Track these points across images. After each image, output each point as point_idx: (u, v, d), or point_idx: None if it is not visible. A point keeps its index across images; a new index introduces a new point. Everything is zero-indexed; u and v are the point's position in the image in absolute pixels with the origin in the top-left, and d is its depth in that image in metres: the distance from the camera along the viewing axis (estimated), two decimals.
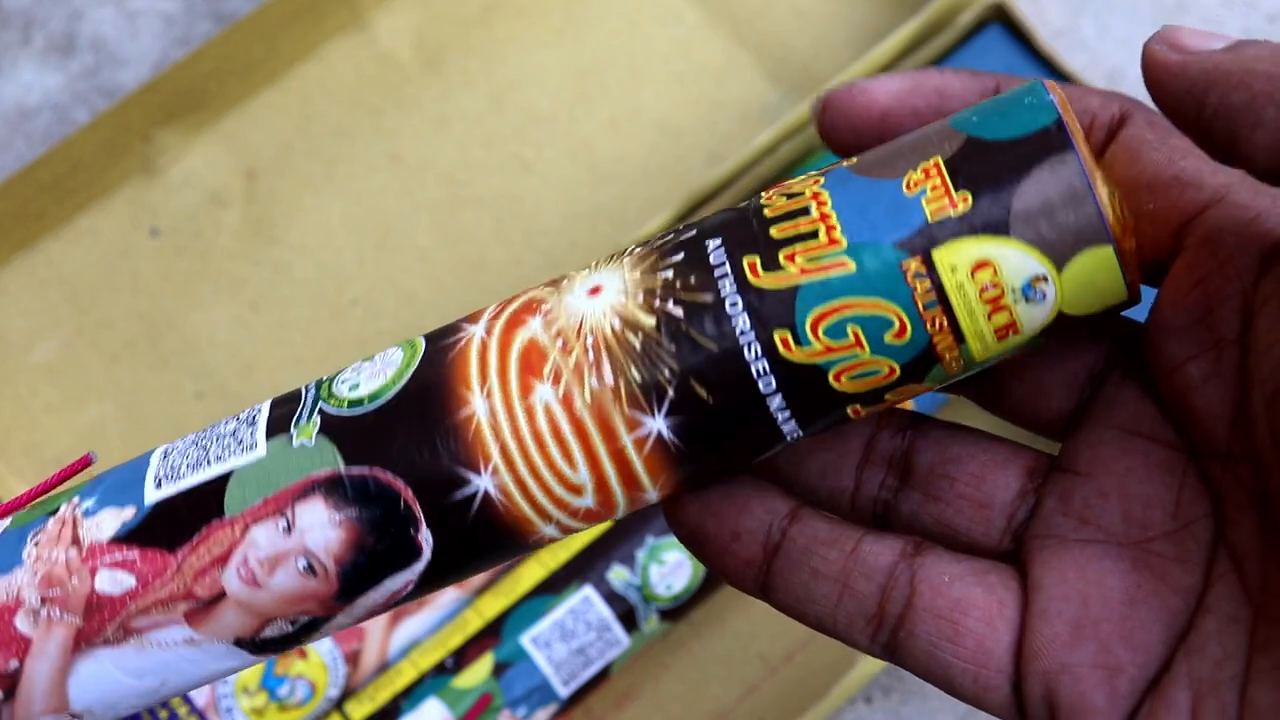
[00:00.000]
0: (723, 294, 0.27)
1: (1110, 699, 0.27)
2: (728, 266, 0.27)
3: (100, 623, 0.29)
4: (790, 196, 0.28)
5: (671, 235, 0.29)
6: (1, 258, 0.56)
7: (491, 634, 0.49)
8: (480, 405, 0.28)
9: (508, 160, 0.58)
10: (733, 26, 0.59)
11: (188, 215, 0.57)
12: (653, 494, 0.29)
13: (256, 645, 0.29)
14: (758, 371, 0.27)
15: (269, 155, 0.58)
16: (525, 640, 0.48)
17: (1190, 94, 0.26)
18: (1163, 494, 0.28)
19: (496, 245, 0.56)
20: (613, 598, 0.49)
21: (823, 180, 0.28)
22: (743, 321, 0.27)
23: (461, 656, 0.48)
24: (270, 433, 0.29)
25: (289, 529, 0.28)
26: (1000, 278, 0.26)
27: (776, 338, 0.27)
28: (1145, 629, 0.27)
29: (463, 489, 0.28)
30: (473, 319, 0.29)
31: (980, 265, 0.26)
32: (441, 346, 0.28)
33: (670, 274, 0.28)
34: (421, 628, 0.50)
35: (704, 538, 0.30)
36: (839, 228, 0.27)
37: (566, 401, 0.27)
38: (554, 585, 0.49)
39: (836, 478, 0.30)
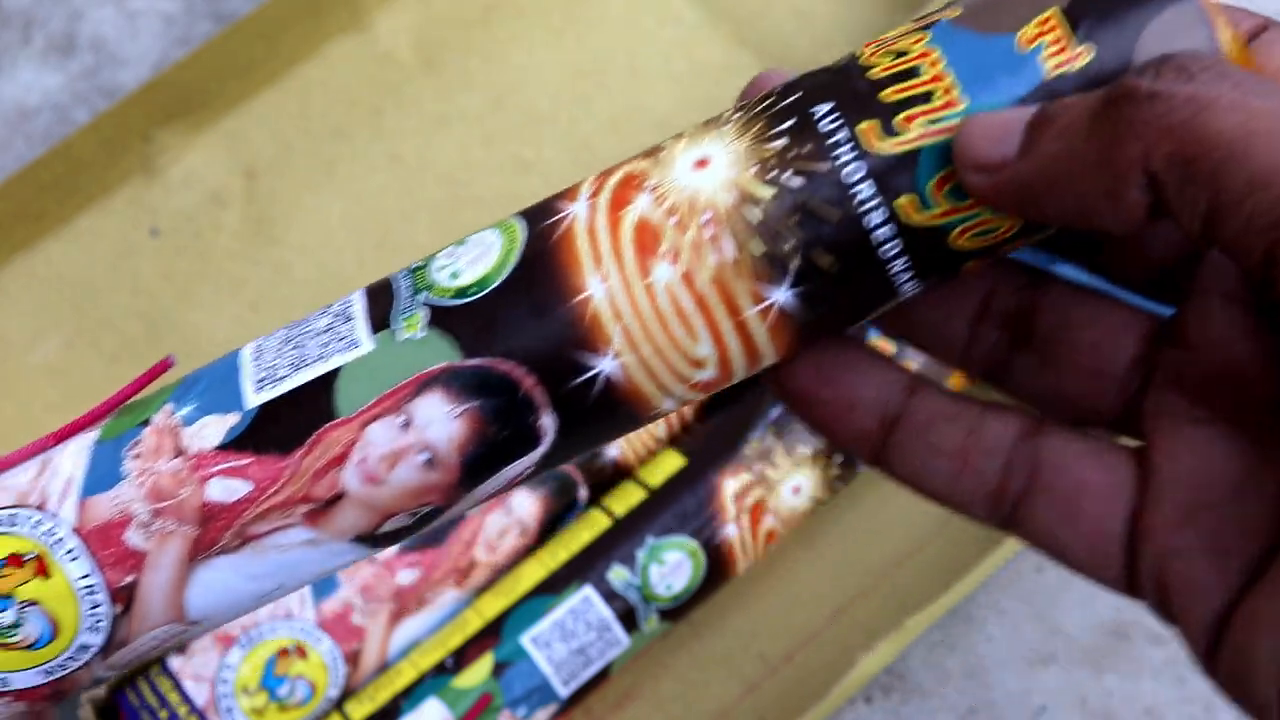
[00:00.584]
0: (841, 162, 0.27)
1: (1219, 582, 0.27)
2: (844, 133, 0.27)
3: (216, 531, 0.28)
4: (896, 56, 0.27)
5: (771, 100, 0.28)
6: (1, 258, 0.56)
7: (491, 634, 0.49)
8: (597, 288, 0.27)
9: (508, 160, 0.58)
10: (733, 26, 0.59)
11: (188, 215, 0.57)
12: (770, 360, 0.28)
13: (376, 539, 0.29)
14: (880, 238, 0.27)
15: (269, 155, 0.58)
16: (525, 640, 0.48)
17: (1025, 210, 0.26)
18: (1273, 372, 0.27)
19: None
20: (613, 598, 0.49)
21: (928, 36, 0.27)
22: (864, 189, 0.27)
23: (461, 656, 0.48)
24: (373, 328, 0.28)
25: (407, 424, 0.28)
26: None
27: (899, 203, 0.27)
28: (1257, 512, 0.27)
29: (584, 373, 0.27)
30: (568, 196, 0.28)
31: None
32: (543, 229, 0.28)
33: (783, 143, 0.27)
34: (421, 628, 0.50)
35: (817, 404, 0.30)
36: (957, 88, 0.27)
37: (688, 279, 0.27)
38: (554, 585, 0.49)
39: (950, 331, 0.30)
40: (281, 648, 0.48)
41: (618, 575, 0.49)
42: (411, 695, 0.48)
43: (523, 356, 0.27)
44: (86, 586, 0.28)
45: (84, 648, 0.29)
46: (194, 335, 0.56)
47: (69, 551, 0.28)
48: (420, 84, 0.58)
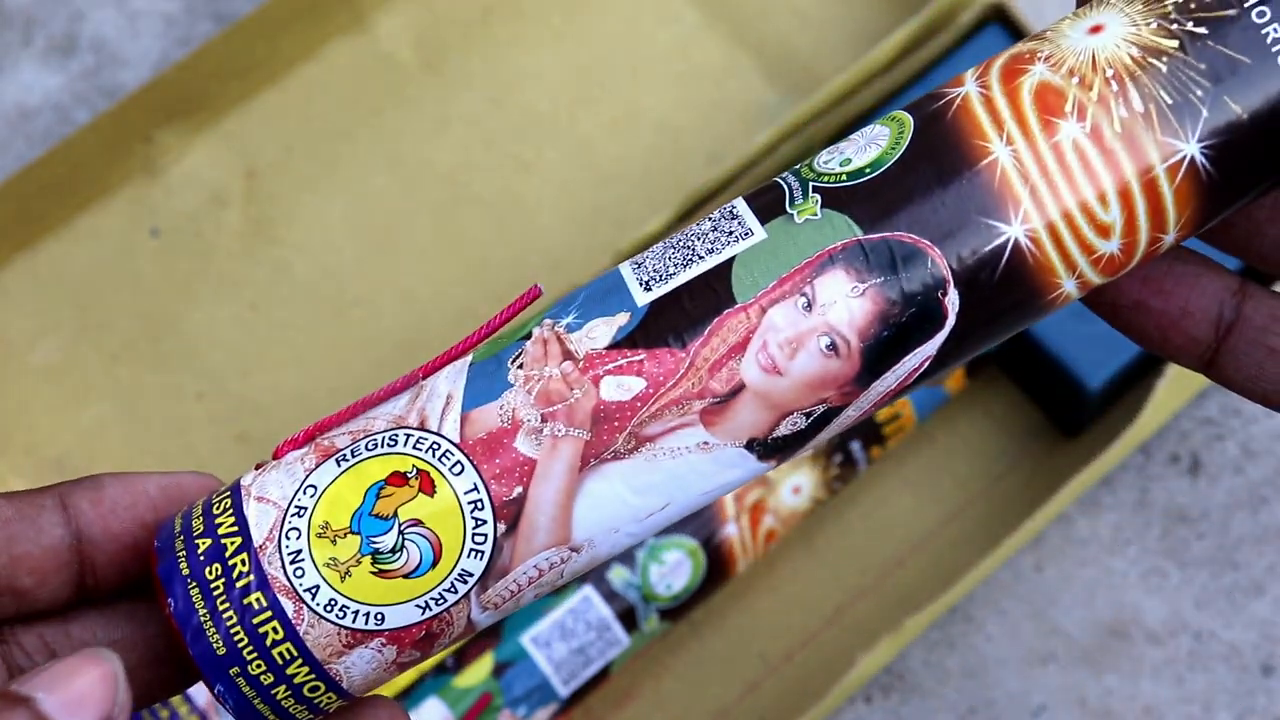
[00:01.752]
0: (1248, 5, 0.26)
1: None
2: None
3: (610, 433, 0.27)
4: None
5: None
6: (2, 258, 0.56)
7: (491, 634, 0.49)
8: (1002, 151, 0.27)
9: (508, 160, 0.58)
10: (733, 26, 0.59)
11: (188, 215, 0.57)
12: (1171, 237, 0.28)
13: (768, 446, 0.28)
14: None
15: (269, 155, 0.58)
16: (525, 640, 0.48)
17: None
18: None
19: (496, 245, 0.56)
20: (612, 597, 0.49)
21: None
22: (1276, 29, 0.26)
23: (461, 656, 0.48)
24: (764, 218, 0.27)
25: (809, 306, 0.27)
26: None
27: None
28: None
29: (992, 240, 0.27)
30: (953, 83, 0.28)
31: None
32: (933, 110, 0.27)
33: None
34: None
35: (1146, 313, 0.29)
36: None
37: (1095, 134, 0.27)
38: None
39: None
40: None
41: (618, 575, 0.49)
42: (412, 695, 0.48)
43: (927, 227, 0.27)
44: (473, 501, 0.27)
45: (464, 575, 0.27)
46: (194, 335, 0.56)
47: (455, 465, 0.27)
48: (420, 84, 0.58)
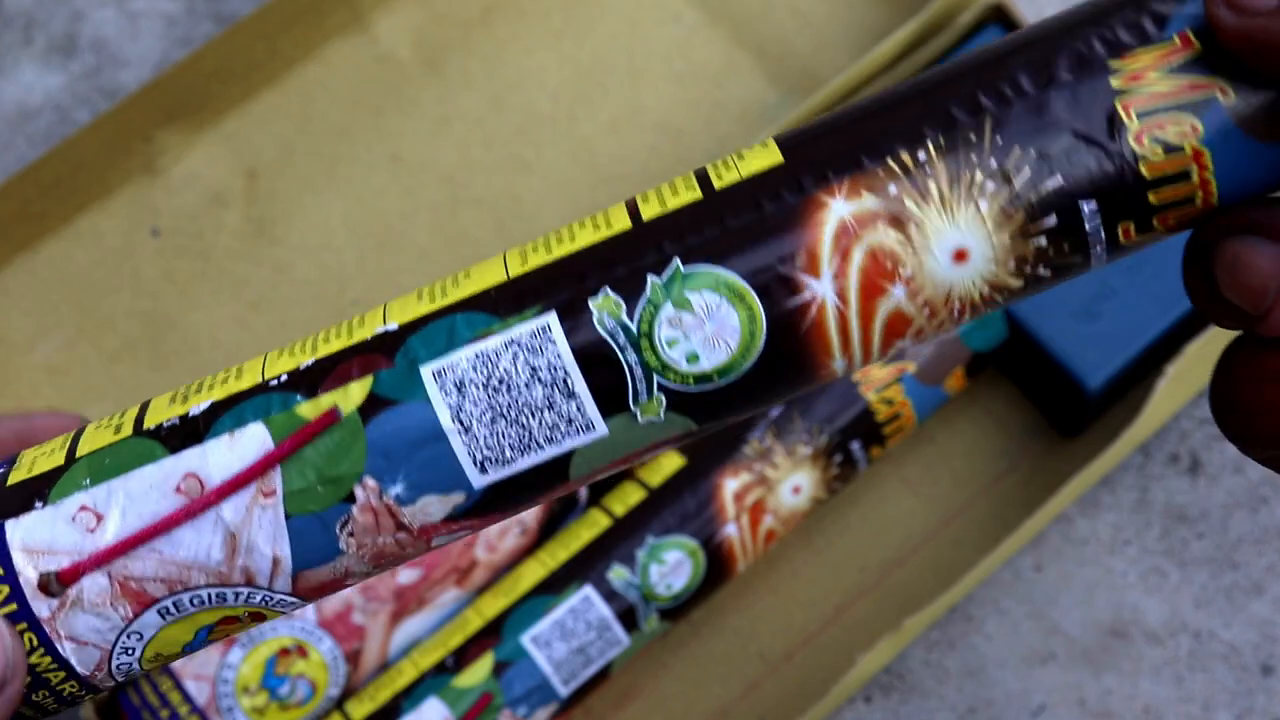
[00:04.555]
0: (1093, 256, 0.28)
1: None
2: (1102, 233, 0.28)
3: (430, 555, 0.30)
4: (1168, 150, 0.27)
5: (1030, 181, 0.28)
6: (3, 258, 0.56)
7: (491, 633, 0.49)
8: (840, 364, 0.29)
9: (508, 160, 0.58)
10: (733, 26, 0.59)
11: (189, 215, 0.57)
12: None
13: None
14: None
15: (270, 155, 0.58)
16: (525, 640, 0.48)
17: (1258, 62, 0.26)
18: None
19: (496, 245, 0.56)
20: (613, 597, 0.49)
21: (1202, 131, 0.27)
22: (1099, 254, 0.28)
23: (462, 656, 0.48)
24: (606, 411, 0.28)
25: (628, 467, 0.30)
26: None
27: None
28: None
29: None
30: (810, 268, 0.28)
31: None
32: (788, 315, 0.28)
33: (1044, 242, 0.28)
34: (422, 627, 0.50)
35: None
36: (1215, 194, 0.27)
37: (919, 339, 0.29)
38: (554, 585, 0.49)
39: None
40: (282, 647, 0.48)
41: (618, 575, 0.49)
42: (412, 694, 0.48)
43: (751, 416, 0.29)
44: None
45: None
46: (194, 335, 0.56)
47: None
48: (420, 84, 0.58)
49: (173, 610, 0.29)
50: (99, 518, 0.28)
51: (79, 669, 0.29)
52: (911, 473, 0.54)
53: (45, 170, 0.55)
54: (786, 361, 0.28)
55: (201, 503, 0.28)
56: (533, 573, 0.50)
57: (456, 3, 0.59)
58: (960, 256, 0.28)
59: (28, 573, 0.28)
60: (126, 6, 0.60)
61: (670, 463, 0.50)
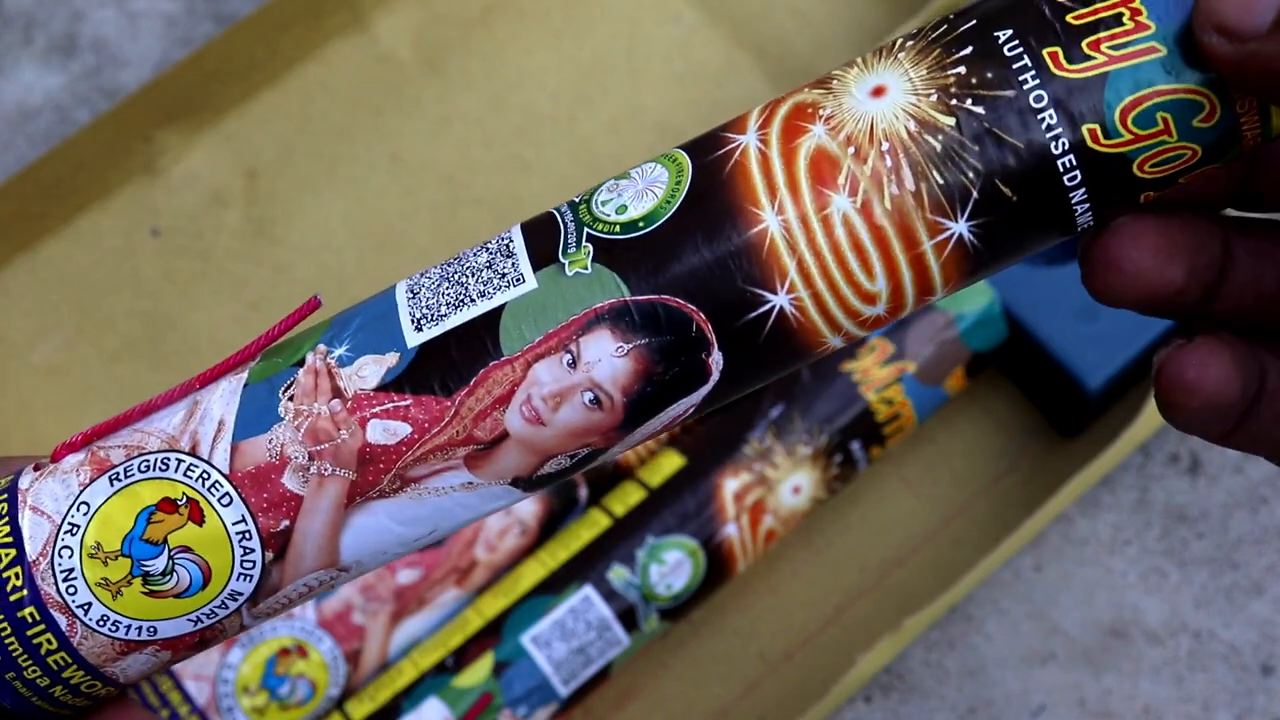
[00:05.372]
0: (1027, 88, 0.26)
1: None
2: (1027, 59, 0.26)
3: (375, 474, 0.28)
4: None
5: (946, 27, 0.27)
6: (3, 258, 0.56)
7: (492, 633, 0.49)
8: (773, 221, 0.27)
9: (508, 160, 0.58)
10: (733, 26, 0.59)
11: (189, 215, 0.57)
12: (939, 295, 0.28)
13: (532, 482, 0.29)
14: (1064, 166, 0.26)
15: (270, 156, 0.58)
16: (525, 640, 0.48)
17: (1261, 89, 0.26)
18: None
19: None
20: (613, 597, 0.49)
21: None
22: (1050, 116, 0.26)
23: (462, 656, 0.48)
24: (537, 264, 0.28)
25: (574, 363, 0.27)
26: None
27: (1085, 131, 0.26)
28: None
29: (759, 308, 0.27)
30: (736, 127, 0.28)
31: None
32: (712, 160, 0.27)
33: (963, 70, 0.27)
34: (422, 627, 0.50)
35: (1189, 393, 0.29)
36: (1145, 10, 0.26)
37: (865, 210, 0.27)
38: (554, 585, 0.49)
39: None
40: (282, 647, 0.48)
41: (618, 575, 0.49)
42: (412, 694, 0.48)
43: (694, 292, 0.27)
44: (240, 532, 0.28)
45: (234, 595, 0.28)
46: (194, 335, 0.56)
47: (223, 497, 0.28)
48: (420, 84, 0.58)
49: (121, 477, 0.28)
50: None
51: (28, 547, 0.28)
52: (911, 473, 0.54)
53: (45, 170, 0.55)
54: (712, 205, 0.27)
55: (185, 386, 0.29)
56: (533, 573, 0.50)
57: (456, 3, 0.59)
58: (878, 91, 0.27)
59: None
60: (126, 6, 0.60)
61: (670, 463, 0.50)
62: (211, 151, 0.58)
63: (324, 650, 0.49)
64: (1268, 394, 0.28)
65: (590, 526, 0.50)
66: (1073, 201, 0.27)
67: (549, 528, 0.51)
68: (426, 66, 0.59)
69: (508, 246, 0.28)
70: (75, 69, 0.59)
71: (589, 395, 0.28)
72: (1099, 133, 0.26)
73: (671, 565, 0.49)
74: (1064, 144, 0.26)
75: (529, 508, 0.51)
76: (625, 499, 0.50)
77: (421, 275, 0.29)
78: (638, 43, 0.59)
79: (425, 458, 0.28)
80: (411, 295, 0.28)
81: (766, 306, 0.27)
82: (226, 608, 0.29)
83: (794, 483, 0.50)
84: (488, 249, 0.28)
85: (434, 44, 0.59)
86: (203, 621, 0.29)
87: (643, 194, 0.28)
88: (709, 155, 0.28)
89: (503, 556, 0.51)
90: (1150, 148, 0.27)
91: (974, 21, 0.27)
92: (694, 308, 0.27)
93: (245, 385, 0.28)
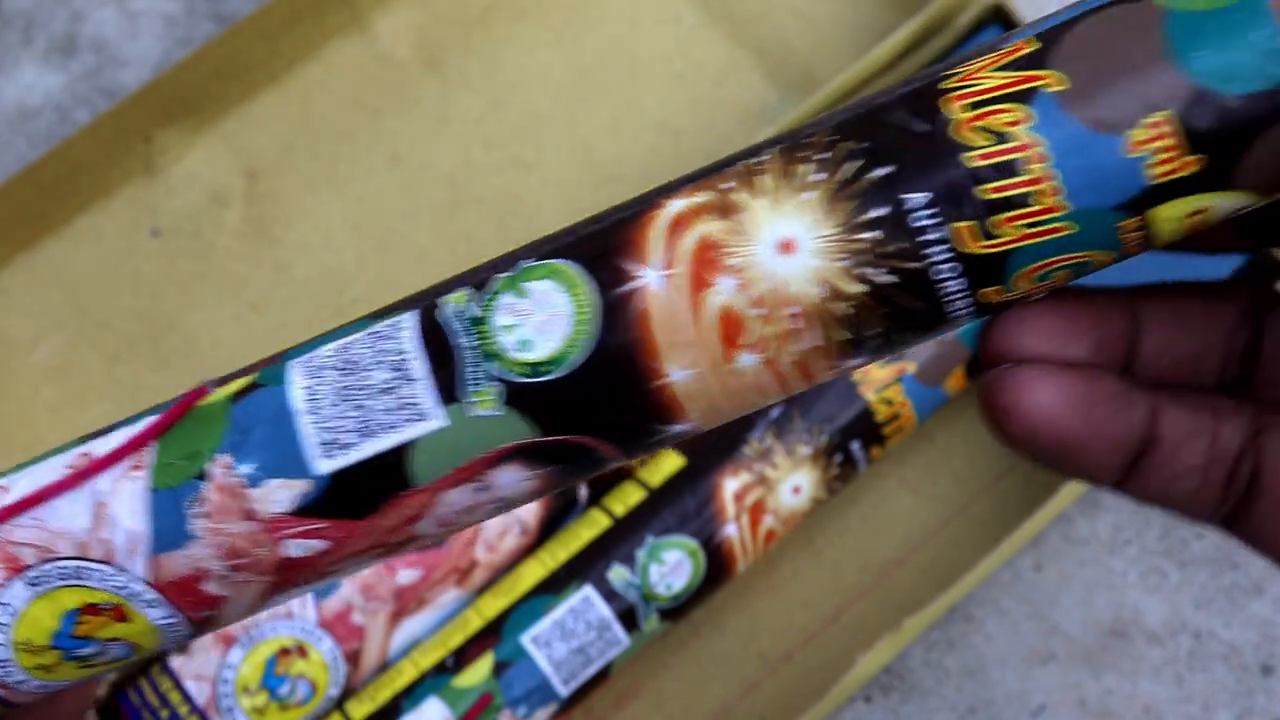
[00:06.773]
0: (934, 262, 0.27)
1: None
2: (939, 233, 0.26)
3: (293, 576, 0.29)
4: (997, 138, 0.26)
5: (856, 170, 0.27)
6: (2, 258, 0.56)
7: (492, 633, 0.49)
8: (678, 374, 0.27)
9: (508, 160, 0.58)
10: (733, 26, 0.59)
11: (188, 215, 0.57)
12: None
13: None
14: (958, 315, 0.27)
15: (270, 156, 0.58)
16: (525, 640, 0.48)
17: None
18: None
19: (496, 245, 0.56)
20: (613, 597, 0.49)
21: (1032, 117, 0.26)
22: (955, 285, 0.27)
23: (462, 656, 0.48)
24: (443, 396, 0.28)
25: (484, 489, 0.29)
26: (1209, 215, 0.26)
27: (984, 292, 0.27)
28: None
29: (660, 435, 0.28)
30: (634, 251, 0.28)
31: (1195, 213, 0.26)
32: (615, 298, 0.27)
33: (875, 237, 0.26)
34: (422, 627, 0.50)
35: (1059, 443, 0.29)
36: (1059, 194, 0.26)
37: (771, 365, 0.27)
38: (554, 585, 0.49)
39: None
40: (282, 647, 0.48)
41: (618, 575, 0.49)
42: (412, 694, 0.48)
43: (604, 433, 0.28)
44: (169, 624, 0.29)
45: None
46: (194, 335, 0.56)
47: (150, 601, 0.29)
48: (420, 84, 0.58)
49: (39, 581, 0.29)
50: (5, 490, 0.30)
51: None
52: (911, 473, 0.54)
53: (45, 170, 0.55)
54: (620, 356, 0.27)
55: (82, 473, 0.29)
56: (533, 573, 0.50)
57: (456, 3, 0.59)
58: (787, 247, 0.27)
59: None
60: (126, 6, 0.60)
61: (670, 463, 0.50)
62: (211, 151, 0.58)
63: (324, 650, 0.49)
64: (1164, 445, 0.28)
65: (590, 526, 0.50)
66: (952, 316, 0.28)
67: (549, 528, 0.51)
68: (426, 66, 0.59)
69: (405, 367, 0.28)
70: (75, 69, 0.59)
71: (497, 506, 0.29)
72: (997, 292, 0.27)
73: (671, 565, 0.49)
74: (964, 306, 0.27)
75: (529, 507, 0.51)
76: (625, 499, 0.50)
77: (318, 375, 0.29)
78: (638, 43, 0.59)
79: (342, 563, 0.29)
80: (311, 401, 0.29)
81: (670, 433, 0.28)
82: (156, 660, 0.30)
83: (794, 483, 0.50)
84: (385, 361, 0.29)
85: (434, 44, 0.59)
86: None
87: (546, 329, 0.28)
88: (611, 290, 0.28)
89: (503, 556, 0.51)
90: (1039, 293, 0.28)
91: (889, 170, 0.27)
92: (604, 442, 0.28)
93: (151, 491, 0.29)
